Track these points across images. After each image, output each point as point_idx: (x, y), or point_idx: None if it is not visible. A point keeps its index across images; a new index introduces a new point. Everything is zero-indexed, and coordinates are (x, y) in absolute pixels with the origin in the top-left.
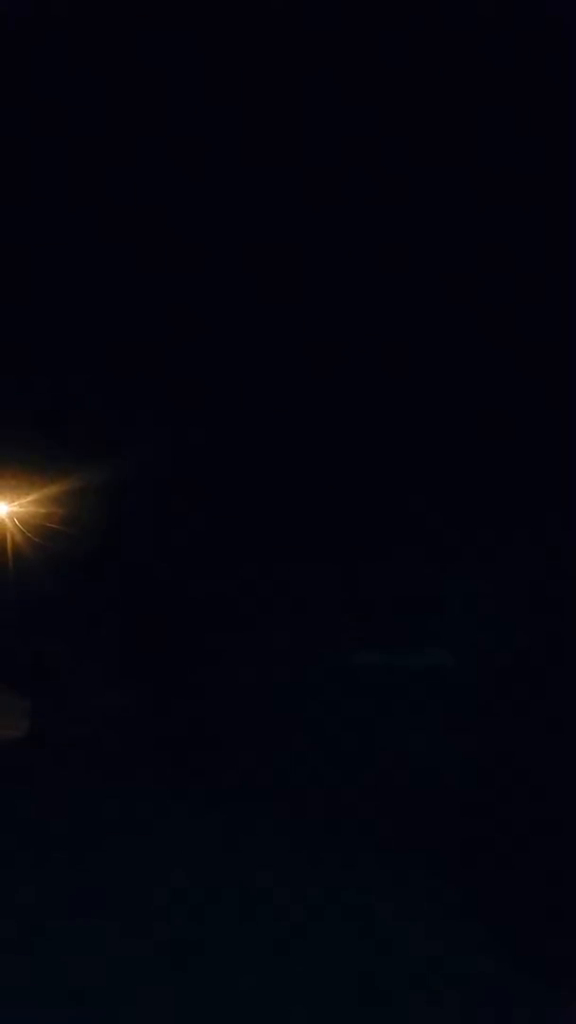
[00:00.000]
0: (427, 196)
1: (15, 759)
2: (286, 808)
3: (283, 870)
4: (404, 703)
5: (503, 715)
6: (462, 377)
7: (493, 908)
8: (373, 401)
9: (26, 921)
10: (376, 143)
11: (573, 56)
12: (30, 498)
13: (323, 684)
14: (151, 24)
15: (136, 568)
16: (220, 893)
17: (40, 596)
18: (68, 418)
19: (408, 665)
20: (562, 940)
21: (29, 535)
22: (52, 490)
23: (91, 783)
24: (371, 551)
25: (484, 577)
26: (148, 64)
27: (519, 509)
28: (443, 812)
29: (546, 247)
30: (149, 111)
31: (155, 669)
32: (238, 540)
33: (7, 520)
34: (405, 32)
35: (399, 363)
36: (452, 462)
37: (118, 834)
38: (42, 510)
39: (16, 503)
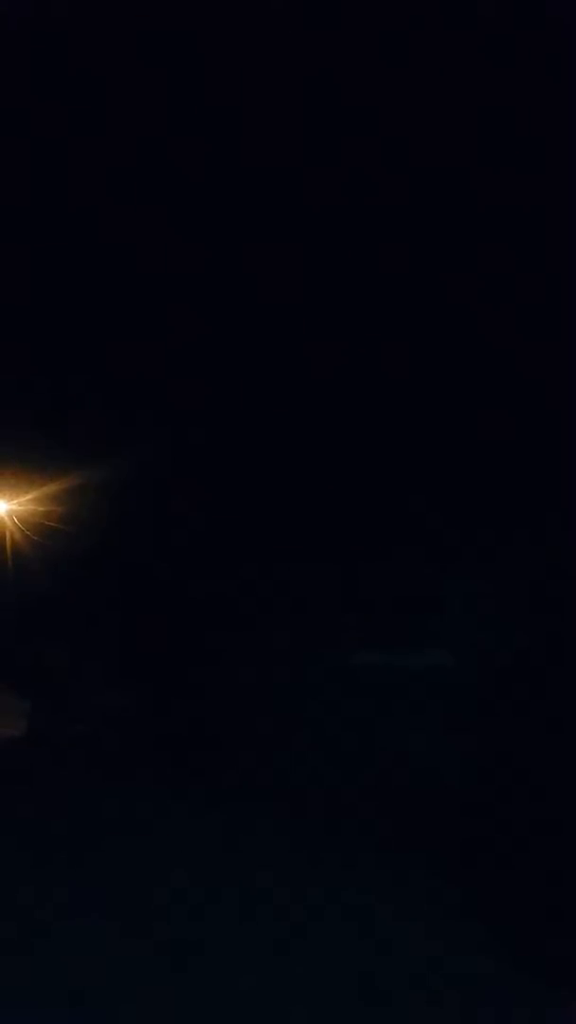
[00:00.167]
0: (427, 196)
1: (14, 759)
2: (286, 808)
3: (283, 870)
4: (404, 703)
5: (503, 715)
6: (462, 377)
7: (493, 908)
8: (373, 401)
9: (26, 921)
10: (376, 143)
11: (573, 56)
12: (29, 496)
13: (323, 684)
14: (151, 24)
15: (136, 567)
16: (220, 893)
17: (39, 595)
18: (67, 416)
19: (408, 665)
20: (562, 940)
21: (28, 534)
22: (51, 488)
23: (90, 783)
24: (371, 551)
25: (484, 577)
26: (148, 64)
27: (519, 509)
28: (443, 812)
29: (546, 247)
30: (149, 111)
31: (155, 669)
32: (238, 540)
33: (6, 519)
34: (405, 32)
35: (399, 363)
36: (452, 462)
37: (117, 834)
38: (41, 508)
39: (15, 501)
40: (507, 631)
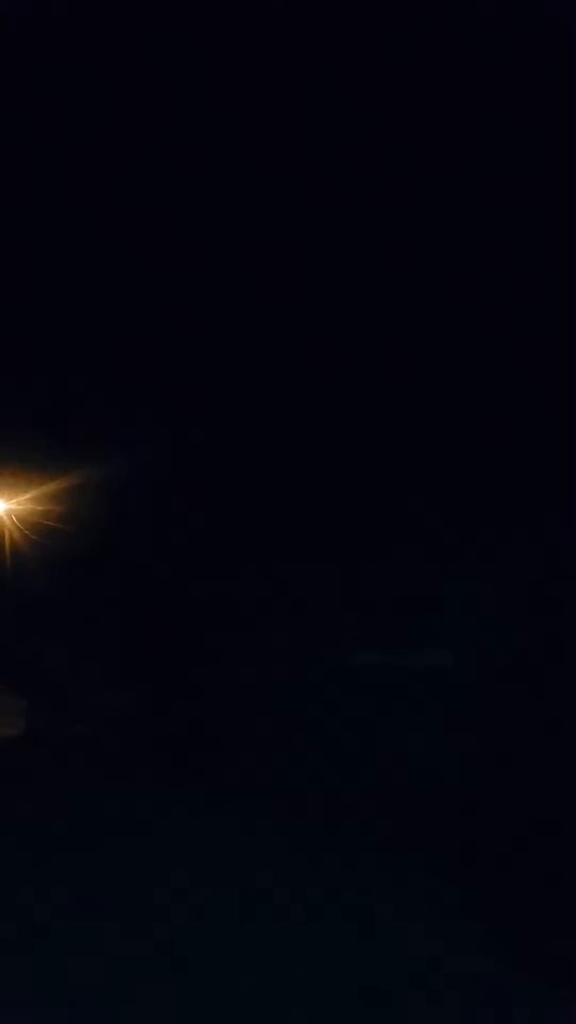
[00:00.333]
0: (427, 196)
1: (14, 759)
2: (286, 808)
3: (283, 870)
4: (404, 703)
5: (503, 715)
6: (462, 377)
7: (493, 908)
8: (373, 401)
9: (26, 921)
10: (376, 143)
11: (573, 56)
12: (28, 496)
13: (323, 684)
14: (151, 24)
15: (135, 567)
16: (220, 893)
17: (38, 594)
18: (67, 416)
19: (408, 665)
20: (562, 940)
21: (27, 533)
22: (50, 488)
23: (89, 783)
24: (371, 551)
25: (484, 577)
26: (148, 64)
27: (519, 509)
28: (443, 812)
29: (546, 247)
30: (149, 111)
31: (155, 669)
32: (238, 540)
33: (5, 518)
34: (405, 32)
35: (399, 363)
36: (452, 462)
37: (116, 834)
38: (40, 508)
39: (14, 501)
40: (507, 631)
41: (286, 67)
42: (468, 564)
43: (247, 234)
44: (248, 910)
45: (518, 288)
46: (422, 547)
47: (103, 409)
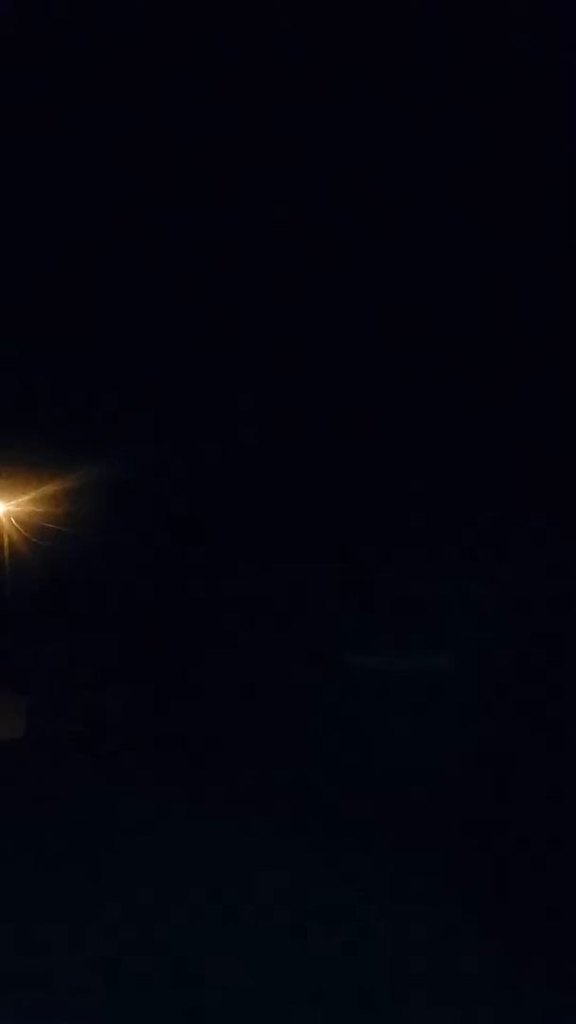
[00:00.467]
0: (427, 196)
1: (13, 758)
2: (286, 808)
3: (282, 869)
4: (404, 703)
5: (503, 715)
6: (462, 377)
7: (493, 908)
8: (374, 401)
9: (25, 921)
10: (376, 143)
11: (573, 56)
12: (27, 497)
13: (323, 685)
14: (151, 23)
15: (135, 567)
16: (219, 893)
17: (37, 594)
18: (66, 416)
19: (408, 665)
20: (562, 940)
21: (26, 534)
22: (50, 488)
23: (89, 783)
24: (372, 551)
25: (484, 577)
26: (148, 64)
27: (519, 509)
28: (443, 812)
29: (546, 247)
30: (149, 110)
31: (154, 669)
32: (238, 539)
33: (4, 519)
34: (405, 31)
35: (400, 363)
36: (453, 462)
37: (116, 834)
38: (39, 509)
39: (13, 502)
40: (507, 631)
41: (285, 65)
42: (468, 564)
43: (247, 234)
44: (247, 910)
45: (518, 288)
46: (422, 547)
47: (102, 408)
